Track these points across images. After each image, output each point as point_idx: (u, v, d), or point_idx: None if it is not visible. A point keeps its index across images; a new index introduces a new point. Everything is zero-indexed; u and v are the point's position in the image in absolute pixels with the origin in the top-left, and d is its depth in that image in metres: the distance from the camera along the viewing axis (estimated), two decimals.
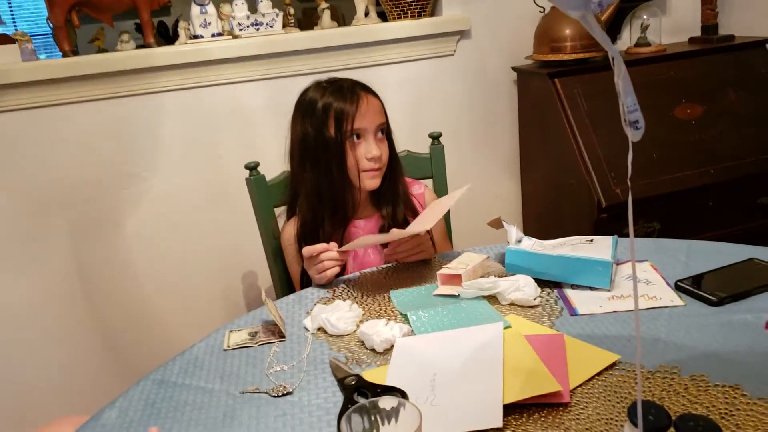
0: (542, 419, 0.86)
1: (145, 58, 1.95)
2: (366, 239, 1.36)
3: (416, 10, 2.21)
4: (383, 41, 2.16)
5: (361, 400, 0.79)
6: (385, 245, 1.45)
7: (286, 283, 1.64)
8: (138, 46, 2.08)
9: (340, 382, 0.98)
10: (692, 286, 1.15)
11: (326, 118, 1.43)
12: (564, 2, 0.64)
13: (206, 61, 2.01)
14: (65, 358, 2.10)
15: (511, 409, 0.87)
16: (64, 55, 1.95)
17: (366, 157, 1.45)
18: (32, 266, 2.03)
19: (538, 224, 2.41)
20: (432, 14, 2.26)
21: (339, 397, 0.95)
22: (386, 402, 0.73)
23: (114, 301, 2.13)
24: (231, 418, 0.94)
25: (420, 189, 1.63)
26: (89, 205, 2.05)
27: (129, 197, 2.08)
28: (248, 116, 2.12)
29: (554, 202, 2.23)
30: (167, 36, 2.07)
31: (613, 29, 2.40)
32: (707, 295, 1.11)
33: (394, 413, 0.73)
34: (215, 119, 2.10)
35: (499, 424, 0.82)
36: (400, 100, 2.23)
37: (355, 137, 1.45)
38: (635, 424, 0.67)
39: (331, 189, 1.46)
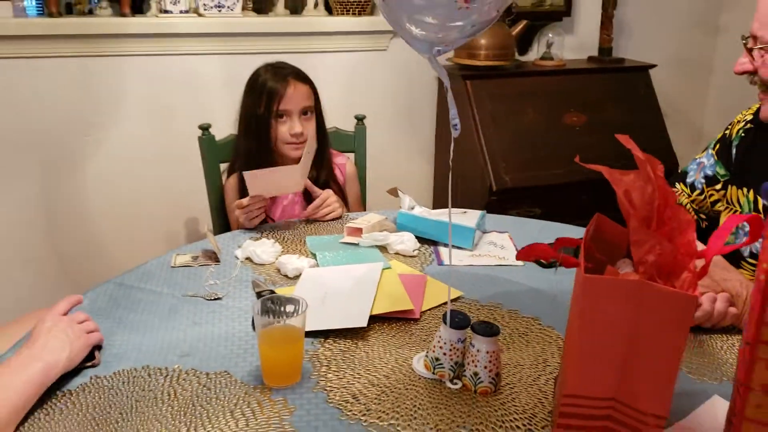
0: (397, 327, 1.20)
1: (120, 25, 2.21)
2: (253, 187, 1.62)
3: (357, 9, 2.51)
4: (327, 32, 2.46)
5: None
6: (308, 202, 1.76)
7: (224, 226, 1.94)
8: (114, 14, 2.32)
9: (258, 294, 1.29)
10: None
11: (261, 96, 1.74)
12: (414, 47, 0.97)
13: (173, 33, 2.28)
14: (28, 279, 2.36)
15: (377, 319, 1.20)
16: (51, 15, 2.18)
17: (289, 133, 1.76)
18: (2, 198, 2.27)
19: (444, 200, 2.76)
20: (371, 13, 2.57)
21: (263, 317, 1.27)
22: (285, 301, 1.06)
23: (72, 233, 2.39)
24: (175, 312, 1.25)
25: (343, 160, 1.95)
26: (56, 148, 2.30)
27: (91, 144, 2.34)
28: (204, 85, 2.39)
29: (458, 184, 2.58)
30: (138, 7, 2.31)
31: (525, 43, 2.75)
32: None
33: (293, 313, 1.05)
34: (175, 85, 2.36)
35: (364, 324, 1.16)
36: (336, 84, 2.53)
37: (281, 116, 1.75)
38: (446, 323, 1.02)
39: (259, 154, 1.77)
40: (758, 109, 1.36)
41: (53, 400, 0.97)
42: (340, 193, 1.86)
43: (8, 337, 1.22)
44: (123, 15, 2.24)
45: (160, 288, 1.34)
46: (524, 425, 0.93)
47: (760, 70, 1.22)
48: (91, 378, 1.03)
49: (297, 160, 1.70)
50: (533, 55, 2.77)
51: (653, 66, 2.67)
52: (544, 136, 2.42)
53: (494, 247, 1.58)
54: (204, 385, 1.02)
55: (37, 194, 2.31)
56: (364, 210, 2.02)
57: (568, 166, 2.41)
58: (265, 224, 1.70)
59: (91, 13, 2.38)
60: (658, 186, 0.83)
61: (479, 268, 1.46)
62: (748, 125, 1.43)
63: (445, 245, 1.57)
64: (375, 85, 2.61)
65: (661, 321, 0.74)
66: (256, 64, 1.84)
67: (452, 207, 1.74)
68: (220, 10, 2.33)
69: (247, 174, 1.60)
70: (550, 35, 2.64)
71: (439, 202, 2.76)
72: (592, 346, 0.78)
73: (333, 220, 1.73)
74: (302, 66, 1.84)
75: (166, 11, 2.28)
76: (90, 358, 1.07)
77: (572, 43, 2.80)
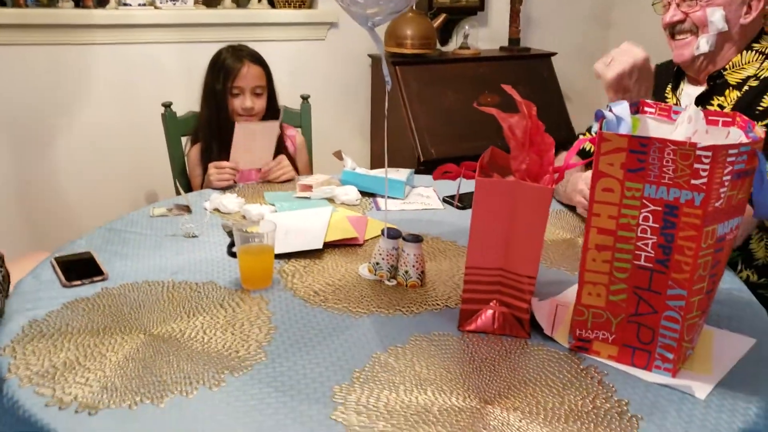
0: (345, 251, 1.48)
1: (83, 16, 2.41)
2: (238, 139, 1.89)
3: (298, 2, 2.78)
4: (270, 23, 2.73)
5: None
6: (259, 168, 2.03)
7: (187, 188, 2.18)
8: (75, 6, 2.52)
9: (228, 233, 1.56)
10: (449, 199, 1.82)
11: (220, 73, 2.00)
12: (355, 20, 1.25)
13: (132, 24, 2.50)
14: (4, 243, 2.52)
15: (328, 246, 1.48)
16: (18, 6, 2.37)
17: (241, 107, 2.02)
18: None
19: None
20: (311, 6, 2.84)
21: (227, 240, 1.53)
22: (259, 225, 1.33)
23: (45, 202, 2.58)
24: (160, 246, 1.49)
25: (293, 132, 2.22)
26: (27, 128, 2.48)
27: (62, 125, 2.53)
28: (162, 70, 2.61)
29: (391, 156, 2.88)
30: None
31: (445, 34, 3.08)
32: (455, 203, 1.78)
33: (265, 234, 1.32)
34: (136, 71, 2.58)
35: (320, 245, 1.44)
36: (282, 70, 2.77)
37: (235, 92, 2.01)
38: (384, 235, 1.31)
39: (218, 124, 2.02)
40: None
41: (74, 303, 1.22)
42: (292, 160, 2.13)
43: (19, 269, 1.44)
44: (85, 7, 2.44)
45: (144, 231, 1.58)
46: (441, 304, 1.24)
47: (691, 16, 1.55)
48: (102, 289, 1.28)
49: None
50: (453, 45, 3.09)
51: (554, 54, 3.04)
52: (464, 114, 2.75)
53: (421, 197, 1.88)
54: (195, 290, 1.28)
55: (10, 169, 2.50)
56: (311, 173, 2.30)
57: (485, 139, 2.72)
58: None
59: (54, 4, 2.58)
60: (531, 120, 1.14)
61: (409, 213, 1.75)
62: None
63: (382, 196, 1.86)
64: (316, 70, 2.88)
65: (529, 208, 1.06)
66: (208, 51, 2.09)
67: (395, 169, 2.04)
68: (174, 3, 2.57)
69: (239, 126, 1.86)
70: (466, 27, 2.97)
71: None
72: (484, 229, 1.09)
73: (286, 181, 2.00)
74: None
75: (125, 4, 2.50)
76: (99, 273, 1.31)
77: (486, 34, 3.15)
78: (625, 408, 0.95)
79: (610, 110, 1.07)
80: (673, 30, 1.62)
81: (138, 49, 2.55)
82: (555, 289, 1.29)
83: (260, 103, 2.05)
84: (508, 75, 2.94)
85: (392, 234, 1.31)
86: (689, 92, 1.69)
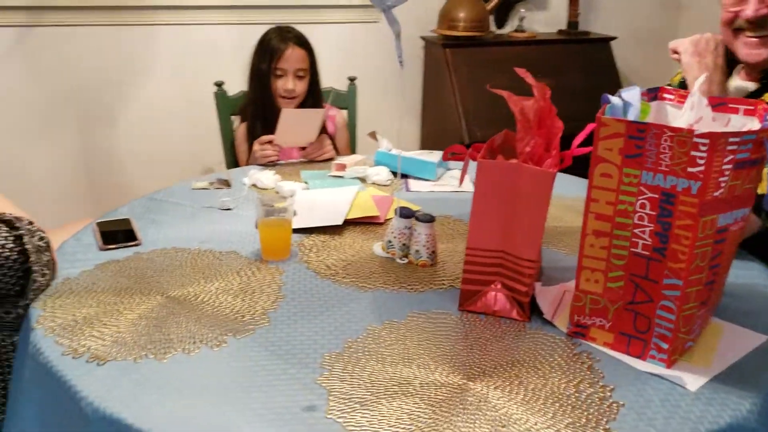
0: (365, 228, 1.51)
1: None
2: (284, 122, 1.93)
3: None
4: (325, 6, 2.76)
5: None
6: (303, 148, 2.07)
7: (233, 164, 2.26)
8: None
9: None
10: None
11: (265, 54, 2.04)
12: (372, 2, 1.27)
13: (192, 6, 2.59)
14: (68, 211, 2.69)
15: (350, 223, 1.52)
16: None
17: (283, 89, 2.06)
18: (48, 141, 2.61)
19: None
20: None
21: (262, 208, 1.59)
22: (282, 200, 1.37)
23: (107, 173, 2.73)
24: (195, 216, 1.57)
25: (334, 112, 2.26)
26: (92, 104, 2.63)
27: (124, 100, 2.66)
28: (220, 51, 2.70)
29: (439, 138, 2.89)
30: None
31: (501, 17, 3.04)
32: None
33: (285, 209, 1.36)
34: (194, 51, 2.67)
35: (340, 222, 1.48)
36: (335, 51, 2.82)
37: (278, 73, 2.06)
38: (397, 214, 1.33)
39: (263, 104, 2.08)
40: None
41: (105, 265, 1.30)
42: (332, 140, 2.17)
43: (59, 237, 1.53)
44: None
45: (183, 201, 1.66)
46: (447, 284, 1.25)
47: None
48: (133, 253, 1.36)
49: None
50: (509, 28, 3.05)
51: (614, 38, 2.95)
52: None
53: (454, 179, 1.88)
54: (217, 258, 1.34)
55: (76, 141, 2.65)
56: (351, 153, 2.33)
57: None
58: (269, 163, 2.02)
59: None
60: (544, 103, 1.14)
61: (438, 194, 1.77)
62: None
63: (414, 177, 1.88)
64: (369, 52, 2.91)
65: (530, 191, 1.05)
66: (262, 33, 2.15)
67: (429, 151, 2.05)
68: None
69: (285, 111, 1.90)
70: (522, 11, 2.92)
71: None
72: (485, 210, 1.09)
73: (325, 161, 2.04)
74: (305, 34, 2.15)
75: None
76: (134, 239, 1.39)
77: (544, 18, 3.09)
78: (609, 394, 0.94)
79: (620, 96, 1.05)
80: (744, 25, 1.48)
81: (196, 30, 2.65)
82: (569, 275, 1.28)
83: (301, 86, 2.09)
84: (562, 59, 2.88)
85: (405, 213, 1.33)
86: (744, 86, 1.59)
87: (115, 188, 2.75)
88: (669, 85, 1.74)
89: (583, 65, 2.89)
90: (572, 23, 3.03)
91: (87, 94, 2.61)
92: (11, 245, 1.09)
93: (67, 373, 0.96)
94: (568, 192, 1.73)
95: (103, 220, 1.50)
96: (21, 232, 1.11)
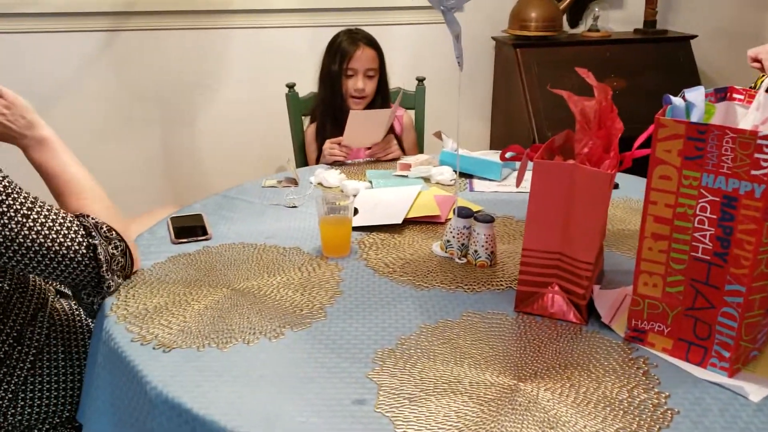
0: (426, 227, 1.52)
1: (225, 2, 2.61)
2: (352, 124, 1.96)
3: None
4: (396, 7, 2.79)
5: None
6: (369, 147, 2.10)
7: (303, 163, 2.32)
8: None
9: None
10: None
11: (336, 55, 2.08)
12: (430, 2, 1.27)
13: (267, 9, 2.67)
14: (147, 204, 2.82)
15: (411, 221, 1.53)
16: None
17: (353, 88, 2.10)
18: (130, 139, 2.75)
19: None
20: None
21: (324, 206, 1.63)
22: (343, 199, 1.40)
23: (185, 169, 2.84)
24: (262, 213, 1.62)
25: (401, 112, 2.28)
26: (173, 104, 2.74)
27: (202, 101, 2.77)
28: (294, 53, 2.77)
29: (509, 139, 2.86)
30: None
31: (575, 16, 2.98)
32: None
33: (345, 207, 1.39)
34: (268, 52, 2.75)
35: (399, 221, 1.49)
36: (405, 52, 2.85)
37: (349, 73, 2.09)
38: (455, 214, 1.33)
39: (332, 104, 2.12)
40: None
41: (177, 258, 1.36)
42: (398, 140, 2.19)
43: (136, 228, 1.61)
44: None
45: (252, 199, 1.72)
46: (505, 284, 1.24)
47: None
48: (203, 247, 1.42)
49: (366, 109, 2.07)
50: (583, 28, 2.99)
51: (694, 37, 2.84)
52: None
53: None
54: (281, 253, 1.38)
55: (157, 140, 2.78)
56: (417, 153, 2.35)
57: None
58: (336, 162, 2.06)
59: None
60: (606, 104, 1.12)
61: (502, 194, 1.75)
62: None
63: (479, 178, 1.87)
64: (439, 53, 2.91)
65: (588, 193, 1.04)
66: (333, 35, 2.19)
67: (495, 151, 2.04)
68: None
69: (353, 113, 1.93)
70: (597, 9, 2.85)
71: None
72: (542, 211, 1.08)
73: (391, 160, 2.06)
74: (376, 35, 2.18)
75: None
76: (204, 234, 1.45)
77: (620, 16, 3.00)
78: (664, 401, 0.92)
79: (683, 96, 1.02)
80: None
81: (271, 33, 2.72)
82: (631, 279, 1.24)
83: (371, 85, 2.12)
84: (638, 58, 2.80)
85: (464, 213, 1.33)
86: None
87: (192, 184, 2.86)
88: (752, 87, 1.68)
89: (660, 65, 2.79)
90: (649, 22, 2.94)
91: (168, 94, 2.73)
92: (84, 251, 1.15)
93: (135, 359, 1.01)
94: (635, 194, 1.69)
95: (176, 215, 1.57)
96: (95, 241, 1.17)
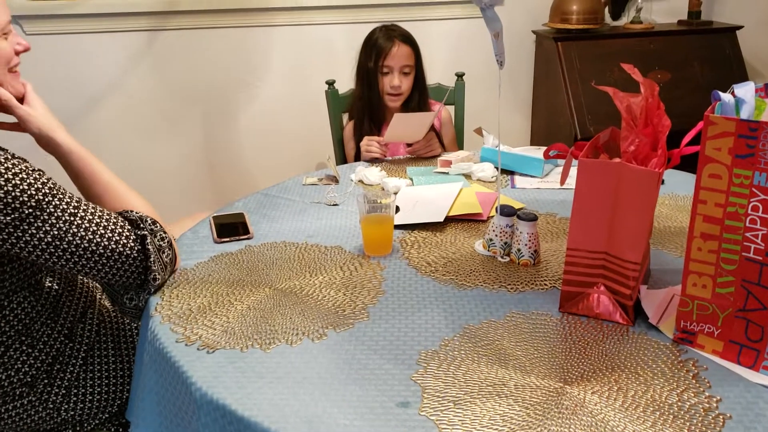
0: (467, 225, 1.50)
1: (263, 1, 2.63)
2: (394, 122, 1.96)
3: None
4: (436, 2, 2.76)
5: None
6: (409, 144, 2.09)
7: (342, 160, 2.32)
8: None
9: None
10: None
11: (372, 52, 2.08)
12: None
13: (307, 6, 2.67)
14: (192, 200, 2.87)
15: (452, 219, 1.52)
16: None
17: (389, 85, 2.09)
18: (175, 137, 2.79)
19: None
20: None
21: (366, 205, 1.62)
22: (385, 197, 1.40)
23: (227, 166, 2.88)
24: (304, 212, 1.62)
25: (438, 107, 2.26)
26: (216, 101, 2.77)
27: (244, 98, 2.79)
28: (333, 50, 2.77)
29: (550, 133, 2.82)
30: None
31: (617, 8, 2.91)
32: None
33: (387, 205, 1.38)
34: (309, 49, 2.76)
35: (441, 219, 1.48)
36: (445, 47, 2.83)
37: (385, 70, 2.09)
38: (498, 212, 1.32)
39: (370, 101, 2.12)
40: None
41: (219, 257, 1.37)
42: (437, 135, 2.17)
43: (179, 229, 1.63)
44: None
45: (294, 197, 1.72)
46: (549, 284, 1.22)
47: None
48: (245, 246, 1.43)
49: (395, 108, 2.08)
50: (625, 20, 2.92)
51: (740, 27, 2.75)
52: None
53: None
54: (323, 253, 1.38)
55: (199, 137, 2.82)
56: (457, 149, 2.33)
57: None
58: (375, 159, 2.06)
59: None
60: (652, 100, 1.09)
61: (544, 191, 1.73)
62: None
63: (520, 174, 1.84)
64: (479, 47, 2.88)
65: (634, 192, 1.01)
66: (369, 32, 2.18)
67: (537, 147, 2.02)
68: None
69: (397, 115, 1.93)
70: (639, 1, 2.78)
71: None
72: (587, 210, 1.06)
73: (431, 157, 2.05)
74: (414, 31, 2.17)
75: None
76: (246, 233, 1.47)
77: (663, 7, 2.93)
78: (715, 405, 0.89)
79: (732, 92, 0.99)
80: None
81: (311, 30, 2.73)
82: (678, 278, 1.21)
83: (408, 82, 2.11)
84: (682, 51, 2.72)
85: (506, 211, 1.31)
86: None
87: (234, 181, 2.89)
88: None
89: (705, 57, 2.71)
90: (694, 13, 2.85)
91: (210, 92, 2.76)
92: (132, 244, 1.18)
93: (180, 359, 1.02)
94: (682, 190, 1.65)
95: (218, 214, 1.59)
96: (144, 232, 1.19)
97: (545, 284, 1.23)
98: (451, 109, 2.37)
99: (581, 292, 1.12)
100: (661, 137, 1.05)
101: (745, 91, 0.98)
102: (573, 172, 1.50)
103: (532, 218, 1.28)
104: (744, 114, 0.96)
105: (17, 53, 1.21)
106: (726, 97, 0.97)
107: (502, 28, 1.25)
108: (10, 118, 1.26)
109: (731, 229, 0.93)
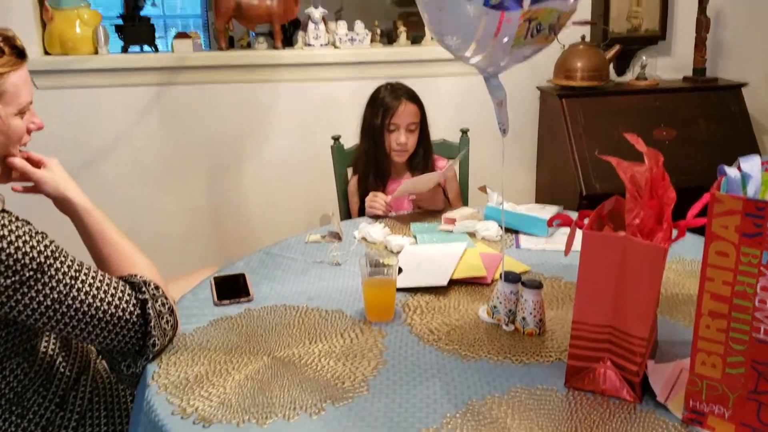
0: (471, 289, 1.48)
1: (273, 57, 2.66)
2: (402, 188, 1.98)
3: None
4: (442, 59, 2.79)
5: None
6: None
7: (347, 215, 2.32)
8: (268, 47, 2.78)
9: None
10: None
11: (378, 110, 2.09)
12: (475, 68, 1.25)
13: (314, 63, 2.70)
14: (195, 252, 2.86)
15: (456, 282, 1.50)
16: (219, 49, 2.68)
17: (396, 142, 2.09)
18: (181, 189, 2.80)
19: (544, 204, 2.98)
20: None
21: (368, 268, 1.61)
22: (386, 259, 1.38)
23: (232, 219, 2.87)
24: (306, 272, 1.61)
25: (444, 164, 2.26)
26: (223, 155, 2.78)
27: (250, 152, 2.80)
28: (339, 105, 2.79)
29: (555, 189, 2.81)
30: (288, 41, 2.78)
31: (622, 64, 2.94)
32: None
33: (390, 268, 1.36)
34: (315, 105, 2.78)
35: (444, 283, 1.46)
36: (450, 103, 2.84)
37: (391, 127, 2.10)
38: (502, 278, 1.30)
39: (375, 157, 2.13)
40: None
41: (218, 321, 1.35)
42: (442, 191, 2.17)
43: (180, 288, 1.62)
44: (275, 48, 2.69)
45: (296, 256, 1.71)
46: (555, 356, 1.19)
47: None
48: (245, 309, 1.41)
49: (400, 164, 2.12)
50: (630, 76, 2.94)
51: (744, 84, 2.76)
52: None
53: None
54: (323, 317, 1.36)
55: (205, 190, 2.82)
56: (461, 205, 2.31)
57: None
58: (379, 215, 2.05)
59: (249, 46, 2.87)
60: (657, 170, 1.07)
61: (550, 253, 1.71)
62: None
63: (525, 233, 1.83)
64: (484, 103, 2.88)
65: (640, 266, 0.99)
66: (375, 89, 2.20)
67: (542, 205, 2.00)
68: (352, 43, 2.73)
69: (406, 182, 1.97)
70: (644, 58, 2.81)
71: None
72: (592, 283, 1.04)
73: (435, 211, 2.03)
74: (419, 87, 2.19)
75: (309, 45, 2.71)
76: (246, 294, 1.45)
77: (668, 64, 2.95)
78: None
79: (738, 166, 0.97)
80: None
81: (317, 86, 2.75)
82: (687, 350, 1.18)
83: (413, 139, 2.12)
84: (688, 107, 2.73)
85: (511, 278, 1.29)
86: None
87: (239, 233, 2.88)
88: None
89: (711, 114, 2.72)
90: (698, 69, 2.87)
91: (216, 146, 2.77)
92: (132, 308, 1.16)
93: None
94: (689, 254, 1.62)
95: (219, 275, 1.57)
96: (145, 296, 1.18)
97: (550, 356, 1.20)
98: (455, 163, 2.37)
99: (587, 367, 1.09)
100: (667, 210, 1.04)
101: (751, 165, 0.97)
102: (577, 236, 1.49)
103: (537, 286, 1.26)
104: (751, 189, 0.95)
105: (29, 131, 1.23)
106: (732, 171, 0.96)
107: (506, 96, 1.25)
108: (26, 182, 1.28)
109: (740, 309, 0.91)
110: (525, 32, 1.13)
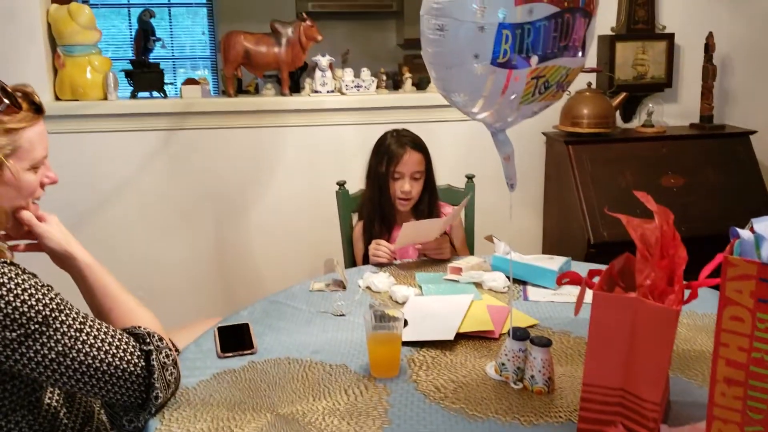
0: (479, 344, 1.46)
1: (281, 103, 2.68)
2: (404, 232, 1.96)
3: None
4: (447, 105, 2.79)
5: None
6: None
7: (351, 261, 2.30)
8: (276, 93, 2.81)
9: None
10: None
11: (383, 157, 2.09)
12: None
13: (321, 109, 2.72)
14: (200, 300, 2.84)
15: (463, 336, 1.47)
16: (227, 95, 2.70)
17: (400, 190, 2.09)
18: (187, 234, 2.79)
19: (551, 251, 2.96)
20: None
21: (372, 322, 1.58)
22: (390, 315, 1.36)
23: (237, 264, 2.85)
24: (310, 322, 1.59)
25: (449, 210, 2.25)
26: (228, 199, 2.79)
27: (256, 197, 2.80)
28: (344, 150, 2.80)
29: (562, 236, 2.79)
30: (295, 87, 2.82)
31: (628, 111, 2.95)
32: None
33: (395, 323, 1.34)
34: (321, 150, 2.79)
35: (451, 338, 1.44)
36: (454, 148, 2.84)
37: (396, 175, 2.10)
38: (510, 335, 1.27)
39: (380, 204, 2.13)
40: None
41: (222, 374, 1.33)
42: (448, 239, 2.15)
43: (184, 338, 1.60)
44: (283, 94, 2.71)
45: (300, 305, 1.69)
46: (565, 416, 1.16)
47: None
48: (248, 362, 1.38)
49: (404, 213, 2.11)
50: (636, 123, 2.95)
51: (753, 132, 2.76)
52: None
53: (575, 289, 1.79)
54: (327, 372, 1.34)
55: (210, 233, 2.82)
56: (468, 253, 2.30)
57: None
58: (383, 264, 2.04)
59: (257, 90, 2.90)
60: (668, 229, 1.06)
61: (558, 305, 1.68)
62: None
63: (533, 284, 1.80)
64: (489, 148, 2.89)
65: (652, 329, 0.97)
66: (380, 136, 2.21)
67: (549, 256, 1.99)
68: (359, 89, 2.75)
69: (406, 225, 1.95)
70: (650, 105, 2.82)
71: (547, 253, 2.96)
72: (602, 345, 1.02)
73: (441, 260, 2.02)
74: (425, 132, 2.19)
75: (316, 91, 2.74)
76: (250, 347, 1.43)
77: (674, 111, 2.95)
78: None
79: (752, 228, 0.96)
80: None
81: (323, 131, 2.77)
82: (701, 412, 1.15)
83: (418, 187, 2.12)
84: (696, 154, 2.72)
85: (519, 335, 1.27)
86: None
87: (244, 277, 2.86)
88: None
89: (718, 161, 2.71)
90: (704, 117, 2.87)
91: (222, 190, 2.78)
92: (136, 360, 1.15)
93: None
94: (701, 308, 1.59)
95: (222, 325, 1.55)
96: (150, 348, 1.16)
97: (560, 416, 1.17)
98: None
99: (599, 430, 1.06)
100: (678, 270, 1.02)
101: (765, 226, 0.95)
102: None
103: (545, 343, 1.23)
104: (765, 252, 0.93)
105: (43, 185, 1.23)
106: (745, 234, 0.94)
107: (513, 150, 1.24)
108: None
109: (757, 377, 0.88)
110: (533, 90, 1.13)
